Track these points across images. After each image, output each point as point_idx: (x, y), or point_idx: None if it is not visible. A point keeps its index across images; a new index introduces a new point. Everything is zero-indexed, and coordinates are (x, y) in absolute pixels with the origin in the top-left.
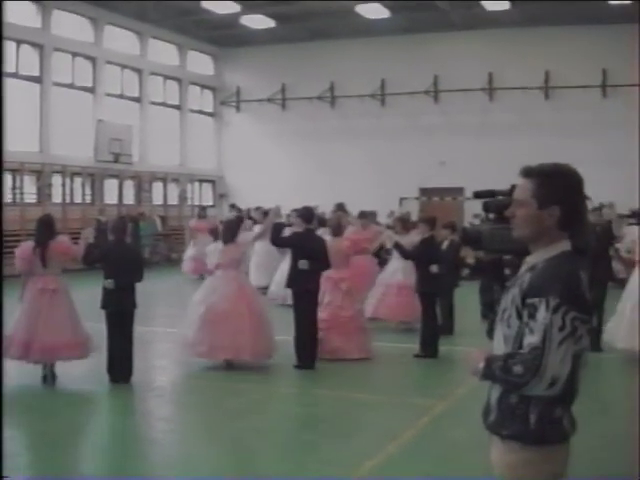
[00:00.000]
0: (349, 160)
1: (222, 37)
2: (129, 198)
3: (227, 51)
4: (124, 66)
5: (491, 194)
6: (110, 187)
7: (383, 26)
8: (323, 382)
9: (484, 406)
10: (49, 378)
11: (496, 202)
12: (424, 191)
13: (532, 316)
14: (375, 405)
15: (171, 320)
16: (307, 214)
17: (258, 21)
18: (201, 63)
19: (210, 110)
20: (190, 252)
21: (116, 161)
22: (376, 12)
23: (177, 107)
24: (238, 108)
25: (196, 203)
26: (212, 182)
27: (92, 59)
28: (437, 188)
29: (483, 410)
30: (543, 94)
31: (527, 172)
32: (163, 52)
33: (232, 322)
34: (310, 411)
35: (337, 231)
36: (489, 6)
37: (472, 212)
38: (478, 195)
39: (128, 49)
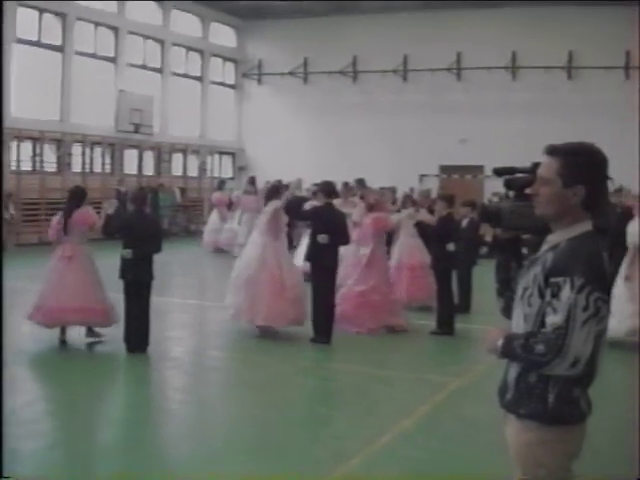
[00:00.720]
0: (369, 136)
1: (245, 9)
2: (149, 169)
3: (250, 23)
4: (146, 37)
5: (511, 171)
6: (130, 157)
7: (407, 2)
8: (339, 356)
9: (500, 384)
10: (61, 343)
11: (519, 179)
12: (444, 168)
13: (555, 295)
14: (390, 380)
15: (188, 291)
16: (328, 188)
17: None
18: (223, 35)
19: (231, 82)
20: (210, 224)
21: (136, 131)
22: None
23: (198, 79)
24: (260, 81)
25: (215, 175)
26: (232, 154)
27: (115, 29)
28: (457, 166)
29: (499, 388)
30: (566, 74)
31: (552, 150)
32: (186, 23)
33: (252, 287)
34: (325, 385)
35: (369, 207)
36: None
37: (492, 190)
38: (498, 172)
39: (151, 20)
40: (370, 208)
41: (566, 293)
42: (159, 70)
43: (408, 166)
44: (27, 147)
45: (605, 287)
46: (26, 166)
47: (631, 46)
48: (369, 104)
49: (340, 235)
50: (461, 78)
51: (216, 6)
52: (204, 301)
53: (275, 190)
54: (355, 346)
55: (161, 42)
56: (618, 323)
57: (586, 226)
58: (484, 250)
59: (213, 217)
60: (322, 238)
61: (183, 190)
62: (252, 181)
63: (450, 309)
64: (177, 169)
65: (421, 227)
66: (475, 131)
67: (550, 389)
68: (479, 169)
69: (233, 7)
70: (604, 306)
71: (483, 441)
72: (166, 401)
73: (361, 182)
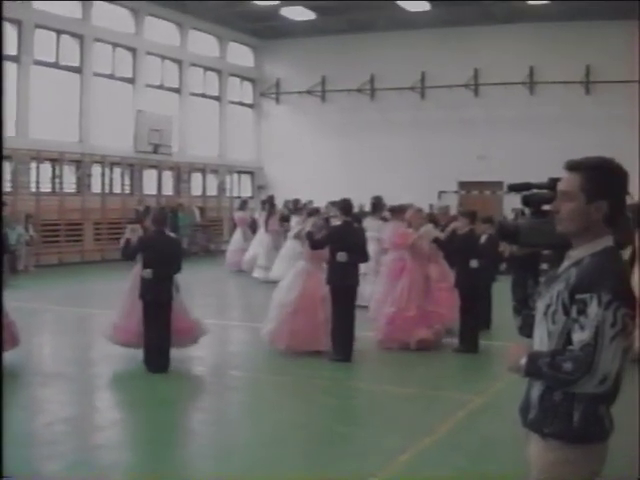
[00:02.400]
0: (388, 153)
1: (262, 29)
2: (168, 189)
3: (267, 43)
4: (164, 57)
5: (527, 187)
6: (149, 177)
7: (424, 19)
8: (359, 375)
9: (522, 403)
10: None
11: (537, 195)
12: (463, 185)
13: (582, 312)
14: (411, 398)
15: (208, 310)
16: (346, 206)
17: (298, 12)
18: (241, 54)
19: (250, 102)
20: (232, 244)
21: (155, 152)
22: (417, 5)
23: (217, 98)
24: (278, 100)
25: (235, 194)
26: (251, 173)
27: (132, 50)
28: (476, 182)
29: (521, 407)
30: (584, 88)
31: (574, 166)
32: (203, 43)
33: (300, 312)
34: (346, 403)
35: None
36: None
37: (511, 206)
38: (513, 188)
39: (168, 40)
40: (409, 224)
41: (594, 309)
42: (177, 90)
43: (427, 183)
44: (47, 168)
45: (631, 303)
46: (45, 187)
47: (590, 61)
48: (387, 121)
49: (359, 253)
50: (479, 94)
51: (233, 26)
52: (225, 320)
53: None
54: (376, 364)
55: (179, 62)
56: None
57: (608, 241)
58: (503, 266)
59: (236, 236)
60: (341, 256)
61: (202, 209)
62: (272, 202)
63: (474, 326)
64: (196, 189)
65: (440, 243)
66: (494, 147)
67: (576, 407)
68: (498, 185)
69: (250, 27)
70: (631, 322)
71: (504, 459)
72: (188, 421)
73: (378, 199)
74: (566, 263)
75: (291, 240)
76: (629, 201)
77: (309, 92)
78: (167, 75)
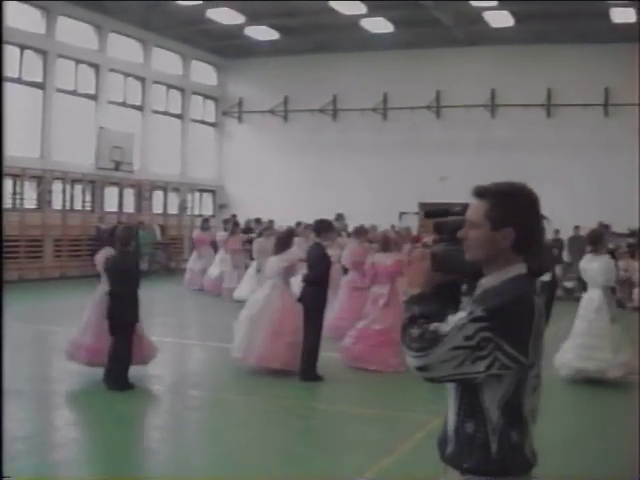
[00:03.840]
0: (350, 173)
1: (226, 48)
2: (129, 206)
3: (230, 62)
4: (127, 74)
5: (444, 213)
6: (110, 195)
7: (387, 40)
8: (322, 396)
9: (440, 435)
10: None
11: (449, 222)
12: (424, 205)
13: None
14: (371, 419)
15: (167, 329)
16: (317, 226)
17: (262, 32)
18: (204, 73)
19: (212, 120)
20: (192, 263)
21: (117, 169)
22: (380, 26)
23: (179, 116)
24: (240, 119)
25: (196, 213)
26: (212, 192)
27: (95, 66)
28: (437, 203)
29: (439, 439)
30: (545, 112)
31: (480, 192)
32: (167, 61)
33: (251, 326)
34: (306, 424)
35: (385, 247)
36: (493, 23)
37: None
38: (429, 214)
39: (132, 57)
40: (385, 248)
41: (462, 314)
42: (140, 108)
43: (388, 204)
44: (7, 184)
45: (513, 338)
46: (6, 203)
47: (610, 83)
48: (349, 142)
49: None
50: (440, 116)
51: (197, 44)
52: (184, 339)
53: (290, 235)
54: (339, 385)
55: (142, 79)
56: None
57: (519, 269)
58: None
59: (195, 256)
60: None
61: (163, 228)
62: (234, 222)
63: None
64: (157, 206)
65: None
66: (455, 168)
67: (491, 437)
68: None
69: (214, 46)
70: (495, 352)
71: None
72: (146, 440)
73: (340, 217)
74: (477, 291)
75: (257, 259)
76: (547, 226)
77: (272, 112)
78: (130, 92)
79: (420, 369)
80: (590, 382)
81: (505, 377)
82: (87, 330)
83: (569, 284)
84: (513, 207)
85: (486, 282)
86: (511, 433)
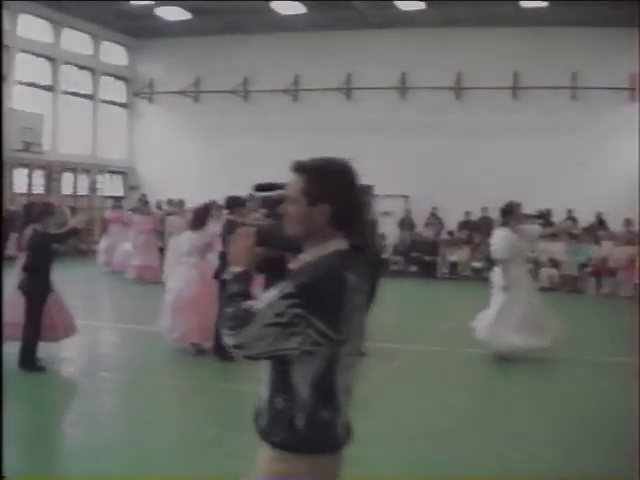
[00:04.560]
0: (261, 155)
1: (137, 28)
2: (39, 188)
3: (141, 42)
4: (37, 55)
5: (272, 187)
6: (20, 176)
7: (299, 22)
8: (235, 376)
9: (256, 407)
10: None
11: (272, 198)
12: None
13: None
14: None
15: (78, 311)
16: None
17: (173, 13)
18: (115, 53)
19: (123, 101)
20: (104, 243)
21: (26, 150)
22: (292, 8)
23: (90, 97)
24: (151, 100)
25: (107, 194)
26: (123, 173)
27: (5, 47)
28: None
29: (255, 412)
30: (454, 94)
31: (298, 168)
32: (77, 41)
33: (197, 307)
34: (219, 404)
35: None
36: (404, 6)
37: (381, 209)
38: (258, 188)
39: (42, 37)
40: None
41: (274, 292)
42: (50, 88)
43: None
44: None
45: (323, 313)
46: None
47: (519, 67)
48: (261, 124)
49: None
50: (351, 98)
51: (108, 25)
52: (96, 322)
53: (207, 210)
54: (245, 365)
55: (52, 60)
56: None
57: (337, 245)
58: None
59: (108, 236)
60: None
61: (73, 209)
62: (144, 201)
63: None
64: (67, 188)
65: None
66: (364, 150)
67: (298, 414)
68: (368, 188)
69: (125, 26)
70: (307, 329)
71: (370, 457)
72: (57, 422)
73: (252, 196)
74: (293, 266)
75: (173, 239)
76: (374, 203)
77: (183, 92)
78: (40, 73)
79: (236, 347)
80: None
81: (317, 354)
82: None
83: (477, 264)
84: (329, 183)
85: (303, 258)
86: (320, 411)
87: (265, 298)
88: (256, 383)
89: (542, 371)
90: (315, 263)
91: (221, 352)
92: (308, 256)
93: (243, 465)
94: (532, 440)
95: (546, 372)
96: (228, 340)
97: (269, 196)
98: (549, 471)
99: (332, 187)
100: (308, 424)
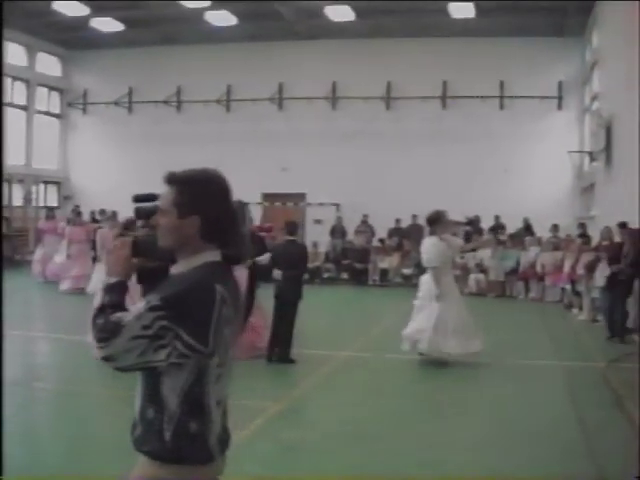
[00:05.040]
0: (194, 164)
1: (71, 39)
2: None
3: (76, 53)
4: None
5: (151, 198)
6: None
7: (230, 33)
8: None
9: (133, 419)
10: None
11: (146, 208)
12: (267, 196)
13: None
14: None
15: (11, 321)
16: (290, 226)
17: (107, 24)
18: (49, 64)
19: (57, 111)
20: (38, 254)
21: None
22: (224, 20)
23: (24, 108)
24: (85, 110)
25: (41, 204)
26: (57, 183)
27: None
28: (280, 194)
29: (132, 424)
30: (384, 104)
31: (169, 179)
32: (11, 52)
33: None
34: None
35: None
36: (334, 17)
37: (313, 217)
38: (137, 199)
39: None
40: None
41: (141, 304)
42: None
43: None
44: None
45: (191, 327)
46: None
47: (448, 76)
48: (193, 133)
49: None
50: (283, 108)
51: (42, 36)
52: (30, 332)
53: (134, 223)
54: None
55: None
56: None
57: (209, 257)
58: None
59: (42, 246)
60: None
61: (8, 220)
62: (77, 212)
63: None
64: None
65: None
66: (297, 160)
67: (166, 425)
68: (301, 197)
69: (59, 37)
70: (174, 341)
71: (301, 465)
72: None
73: None
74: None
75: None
76: (249, 214)
77: (116, 103)
78: None
79: (105, 359)
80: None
81: (185, 366)
82: None
83: (407, 271)
84: (198, 194)
85: (175, 269)
86: (190, 422)
87: (134, 310)
88: None
89: (470, 375)
90: (183, 275)
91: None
92: (180, 267)
93: None
94: (466, 444)
95: (475, 377)
96: (97, 352)
97: (143, 207)
98: (485, 474)
99: (202, 199)
100: (176, 435)
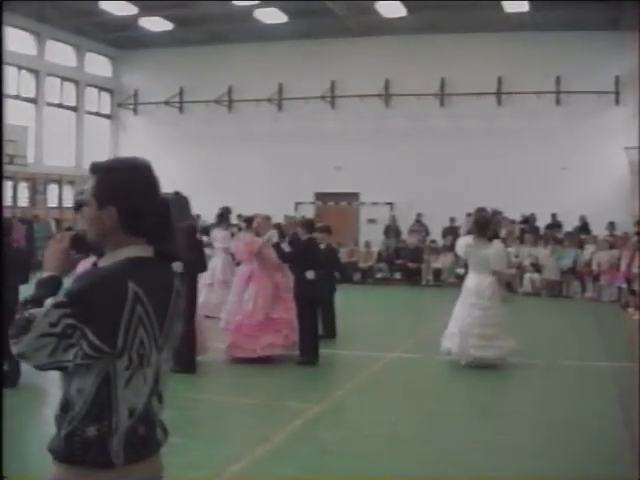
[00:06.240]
0: (245, 164)
1: (120, 39)
2: (23, 200)
3: (125, 53)
4: (21, 67)
5: None
6: (4, 189)
7: (281, 31)
8: (201, 386)
9: None
10: None
11: (77, 200)
12: (319, 196)
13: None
14: (250, 409)
15: None
16: (308, 223)
17: (156, 23)
18: (99, 65)
19: (107, 112)
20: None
21: (11, 162)
22: (274, 17)
23: (74, 109)
24: (135, 111)
25: None
26: None
27: None
28: (332, 193)
29: None
30: (439, 101)
31: (91, 168)
32: (60, 53)
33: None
34: (183, 415)
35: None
36: (386, 13)
37: (367, 216)
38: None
39: (25, 49)
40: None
41: (48, 301)
42: (33, 100)
43: (284, 194)
44: None
45: (97, 326)
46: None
47: (503, 72)
48: (245, 133)
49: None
50: (335, 106)
51: (91, 36)
52: None
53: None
54: (220, 374)
55: (36, 72)
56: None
57: (134, 251)
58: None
59: None
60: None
61: (58, 221)
62: None
63: (313, 337)
64: (52, 200)
65: (279, 249)
66: (349, 158)
67: (65, 424)
68: (354, 196)
69: (108, 37)
70: (82, 340)
71: (337, 466)
72: None
73: (226, 210)
74: None
75: None
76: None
77: (167, 103)
78: (23, 85)
79: (19, 356)
80: (475, 367)
81: (93, 367)
82: None
83: (461, 271)
84: (116, 184)
85: (101, 264)
86: (88, 426)
87: (46, 305)
88: (226, 393)
89: (519, 377)
90: (94, 271)
91: (179, 363)
92: (102, 262)
93: (205, 476)
94: (509, 447)
95: (523, 378)
96: (12, 349)
97: (77, 199)
98: (520, 478)
99: (119, 188)
100: (70, 436)
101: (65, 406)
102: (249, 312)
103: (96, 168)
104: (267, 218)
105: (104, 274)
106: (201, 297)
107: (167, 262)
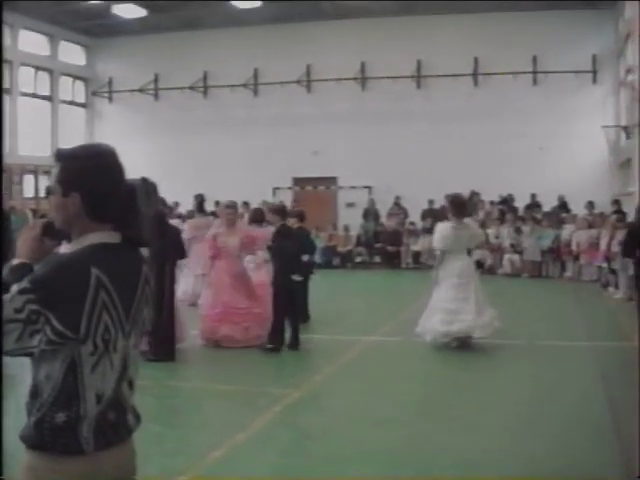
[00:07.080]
0: (222, 150)
1: (94, 27)
2: None
3: (99, 41)
4: None
5: None
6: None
7: (255, 16)
8: (180, 374)
9: None
10: None
11: (48, 187)
12: (298, 181)
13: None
14: (229, 395)
15: None
16: (280, 210)
17: (130, 10)
18: (73, 53)
19: (82, 101)
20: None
21: None
22: (248, 2)
23: (48, 98)
24: (110, 99)
25: None
26: None
27: None
28: (310, 177)
29: None
30: (415, 83)
31: (56, 156)
32: (34, 42)
33: None
34: (162, 403)
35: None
36: None
37: (345, 201)
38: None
39: None
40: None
41: (15, 287)
42: (7, 91)
43: (262, 179)
44: None
45: (60, 312)
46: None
47: (479, 53)
48: (221, 119)
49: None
50: (311, 90)
51: (64, 25)
52: None
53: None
54: (198, 362)
55: (9, 62)
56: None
57: (99, 237)
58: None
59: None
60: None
61: (35, 212)
62: None
63: (295, 324)
64: (29, 190)
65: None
66: (327, 142)
67: (35, 411)
68: (332, 180)
69: (81, 25)
70: (46, 326)
71: (317, 451)
72: None
73: (199, 197)
74: None
75: None
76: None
77: (142, 90)
78: None
79: None
80: (455, 348)
81: (58, 353)
82: None
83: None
84: (78, 170)
85: (66, 250)
86: (57, 413)
87: (11, 291)
88: (205, 380)
89: (500, 358)
90: (57, 257)
91: (159, 352)
92: (68, 249)
93: (184, 463)
94: (491, 427)
95: (504, 359)
96: None
97: (49, 185)
98: (502, 460)
99: (82, 174)
100: (40, 423)
101: (34, 393)
102: (209, 302)
103: (60, 155)
104: (228, 207)
105: (67, 260)
106: (190, 287)
107: (134, 248)
